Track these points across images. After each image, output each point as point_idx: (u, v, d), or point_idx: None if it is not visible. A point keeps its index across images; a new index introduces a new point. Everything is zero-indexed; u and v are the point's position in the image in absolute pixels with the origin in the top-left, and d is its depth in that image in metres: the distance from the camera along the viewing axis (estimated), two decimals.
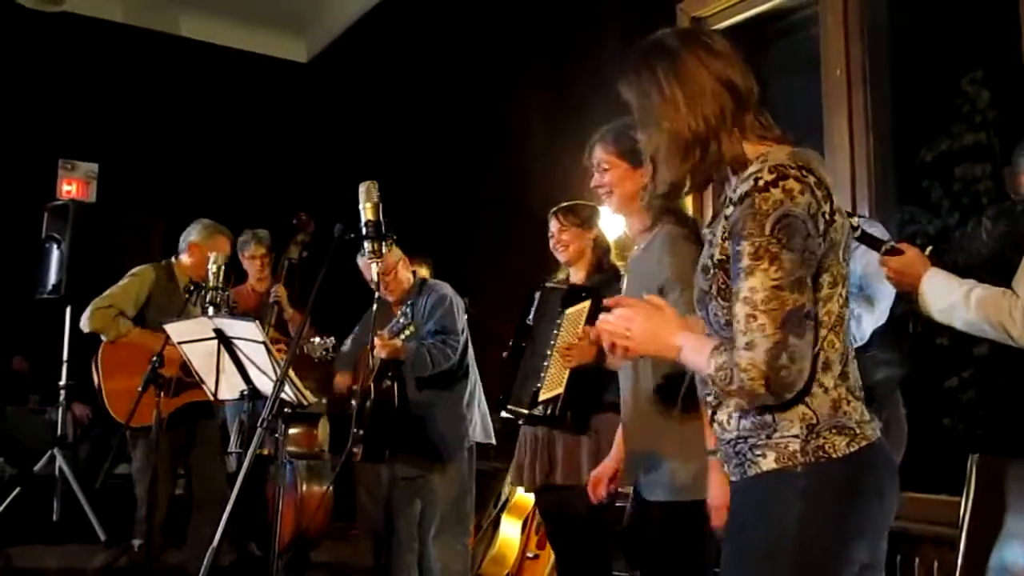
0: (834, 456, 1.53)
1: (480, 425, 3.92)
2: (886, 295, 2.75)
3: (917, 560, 3.06)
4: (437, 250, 4.87)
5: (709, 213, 1.74)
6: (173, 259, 4.50)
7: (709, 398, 1.69)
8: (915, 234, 3.52)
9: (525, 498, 4.17)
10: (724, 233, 1.58)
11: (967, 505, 2.52)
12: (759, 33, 4.19)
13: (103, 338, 4.25)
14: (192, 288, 4.22)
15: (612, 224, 3.41)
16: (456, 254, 5.44)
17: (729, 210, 1.57)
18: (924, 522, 3.00)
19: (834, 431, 1.54)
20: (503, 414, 3.34)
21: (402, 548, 3.84)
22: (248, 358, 3.14)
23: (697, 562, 2.29)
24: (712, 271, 1.61)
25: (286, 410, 3.12)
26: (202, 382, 3.35)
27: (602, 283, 3.13)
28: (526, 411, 3.16)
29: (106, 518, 5.21)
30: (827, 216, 1.54)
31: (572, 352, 3.05)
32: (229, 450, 4.19)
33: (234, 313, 3.86)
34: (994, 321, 2.08)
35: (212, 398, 3.40)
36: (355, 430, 3.67)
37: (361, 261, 3.66)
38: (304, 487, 5.03)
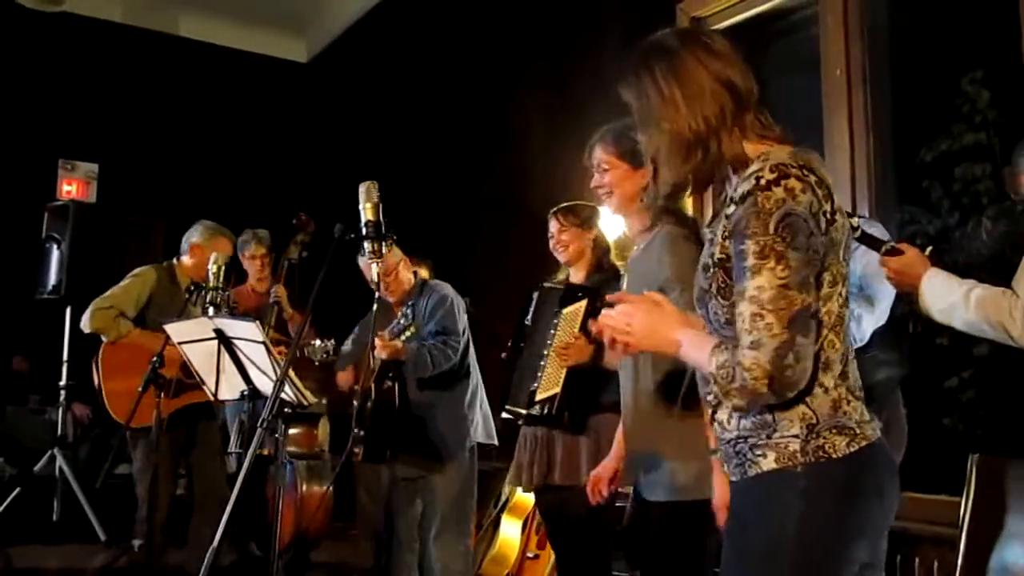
0: (834, 456, 1.53)
1: (482, 426, 3.92)
2: (886, 296, 2.75)
3: (917, 560, 3.06)
4: (437, 250, 4.86)
5: (709, 213, 1.74)
6: (175, 260, 4.50)
7: (709, 397, 1.69)
8: (915, 234, 3.52)
9: (525, 498, 4.17)
10: (725, 232, 1.58)
11: (967, 505, 2.52)
12: (759, 33, 4.19)
13: (103, 339, 4.25)
14: (192, 288, 4.22)
15: (612, 224, 3.42)
16: (456, 254, 5.44)
17: (730, 209, 1.56)
18: (924, 522, 3.00)
19: (834, 431, 1.54)
20: (504, 415, 3.34)
21: (402, 548, 3.84)
22: (248, 358, 3.14)
23: (697, 562, 2.29)
24: (712, 270, 1.61)
25: (286, 410, 3.12)
26: (202, 382, 3.36)
27: (602, 283, 3.13)
28: (523, 411, 3.17)
29: (106, 518, 5.22)
30: (828, 215, 1.54)
31: (568, 351, 3.05)
32: (229, 450, 4.19)
33: (234, 313, 3.86)
34: (994, 321, 2.08)
35: (212, 399, 3.40)
36: (356, 430, 3.67)
37: (362, 261, 3.66)
38: (304, 487, 5.03)
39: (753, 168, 1.56)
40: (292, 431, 4.98)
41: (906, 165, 3.63)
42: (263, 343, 3.04)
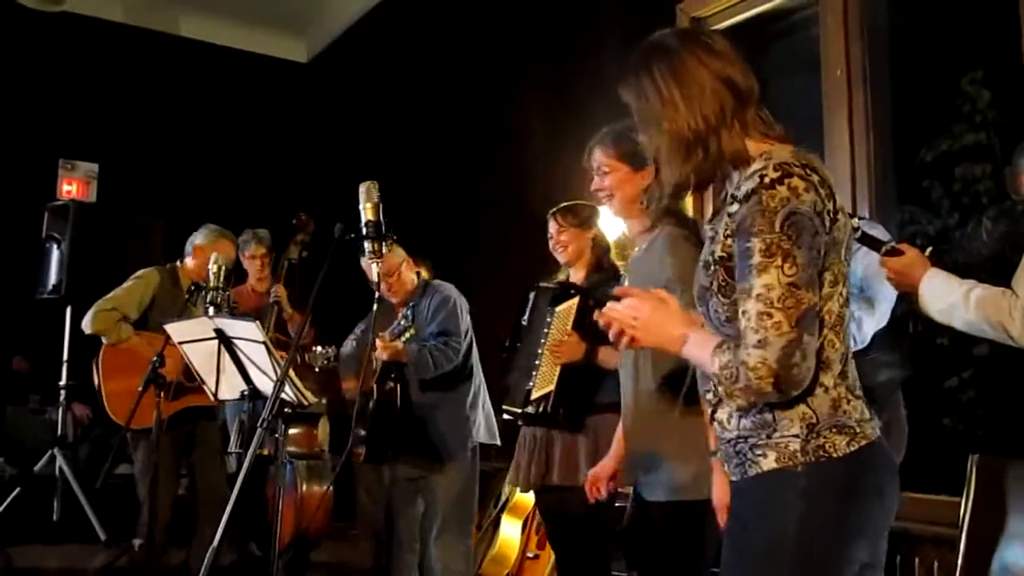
0: (834, 455, 1.53)
1: (484, 426, 3.92)
2: (887, 297, 2.75)
3: (917, 560, 3.06)
4: (437, 250, 4.86)
5: (709, 212, 1.74)
6: (178, 263, 4.50)
7: (709, 396, 1.69)
8: (915, 234, 3.53)
9: (525, 498, 4.17)
10: (727, 230, 1.58)
11: (967, 505, 2.52)
12: (759, 33, 4.19)
13: (104, 340, 4.25)
14: (193, 288, 4.22)
15: (612, 224, 3.41)
16: (456, 254, 5.44)
17: (733, 208, 1.56)
18: (924, 522, 3.00)
19: (834, 430, 1.54)
20: (504, 416, 3.35)
21: (403, 549, 3.84)
22: (248, 358, 3.14)
23: (696, 562, 2.29)
24: (713, 267, 1.61)
25: (286, 410, 3.12)
26: (203, 382, 3.36)
27: (601, 282, 3.14)
28: (519, 410, 3.17)
29: (106, 518, 5.21)
30: (831, 214, 1.55)
31: (561, 349, 3.05)
32: (229, 450, 4.19)
33: (234, 313, 3.86)
34: (994, 321, 2.08)
35: (212, 399, 3.40)
36: (358, 431, 3.67)
37: (365, 262, 3.65)
38: (304, 487, 5.03)
39: (756, 167, 1.56)
40: (292, 431, 4.97)
41: (906, 165, 3.63)
42: (263, 343, 3.04)
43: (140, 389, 3.61)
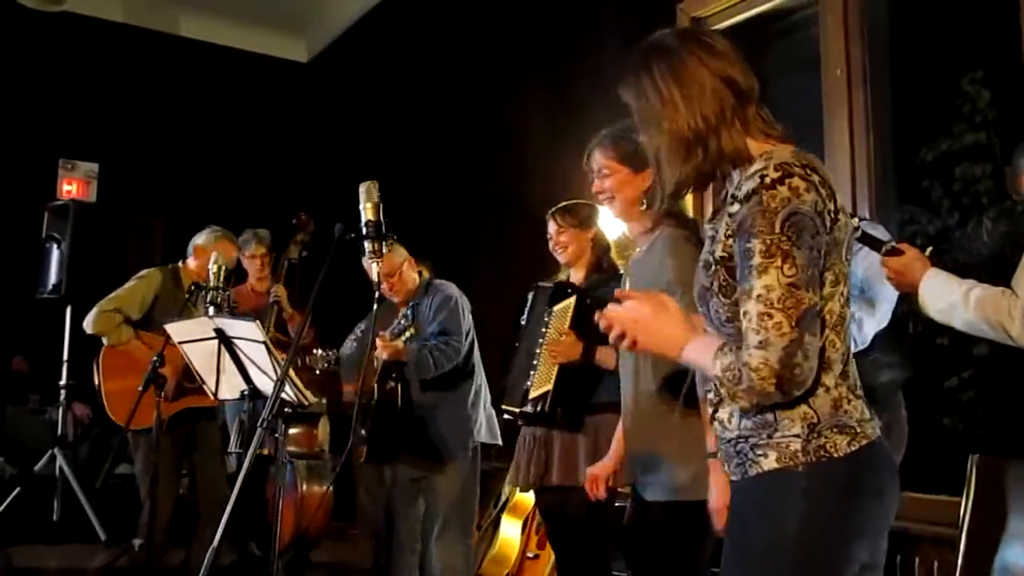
0: (835, 455, 1.53)
1: (485, 426, 3.91)
2: (887, 298, 2.75)
3: (917, 560, 3.06)
4: (437, 250, 4.86)
5: (709, 211, 1.74)
6: (180, 263, 4.51)
7: (710, 395, 1.69)
8: (915, 234, 3.53)
9: (525, 498, 4.17)
10: (728, 230, 1.58)
11: (967, 505, 2.52)
12: (759, 33, 4.19)
13: (104, 341, 4.25)
14: (193, 288, 4.22)
15: (612, 224, 3.41)
16: (456, 254, 5.44)
17: (734, 208, 1.56)
18: (924, 522, 3.00)
19: (835, 430, 1.54)
20: (505, 416, 3.35)
21: (403, 549, 3.84)
22: (248, 358, 3.14)
23: (695, 562, 2.29)
24: (714, 267, 1.61)
25: (286, 410, 3.12)
26: (203, 382, 3.36)
27: (601, 282, 3.14)
28: (518, 409, 3.17)
29: (106, 518, 5.22)
30: (832, 214, 1.55)
31: (558, 348, 3.06)
32: (229, 450, 4.19)
33: (234, 313, 3.87)
34: (993, 321, 2.08)
35: (212, 399, 3.40)
36: (359, 430, 3.67)
37: (365, 262, 3.65)
38: (304, 487, 5.03)
39: (757, 167, 1.56)
40: (292, 431, 4.97)
41: (906, 165, 3.63)
42: (263, 343, 3.04)
43: (140, 389, 3.61)
